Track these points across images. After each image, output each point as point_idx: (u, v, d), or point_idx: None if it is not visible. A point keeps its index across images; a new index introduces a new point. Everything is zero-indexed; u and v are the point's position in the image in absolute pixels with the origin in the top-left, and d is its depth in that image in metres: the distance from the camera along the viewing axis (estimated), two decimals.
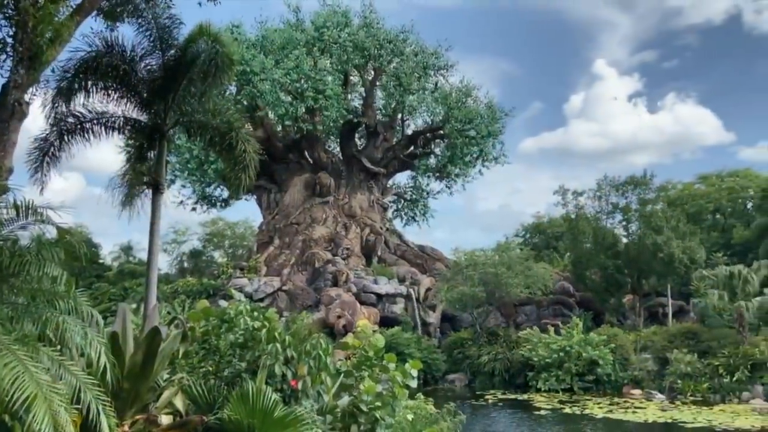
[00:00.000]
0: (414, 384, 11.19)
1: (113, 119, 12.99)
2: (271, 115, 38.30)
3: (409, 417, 10.86)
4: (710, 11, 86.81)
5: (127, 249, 48.98)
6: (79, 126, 12.65)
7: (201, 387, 9.46)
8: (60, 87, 12.12)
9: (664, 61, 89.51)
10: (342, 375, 10.67)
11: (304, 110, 36.04)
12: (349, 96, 40.96)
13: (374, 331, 21.73)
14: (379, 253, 38.80)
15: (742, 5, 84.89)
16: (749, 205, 48.38)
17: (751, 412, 20.82)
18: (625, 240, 33.86)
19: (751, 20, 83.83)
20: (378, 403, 10.06)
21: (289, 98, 36.09)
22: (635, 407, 22.03)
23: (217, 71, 12.35)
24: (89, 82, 12.37)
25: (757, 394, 23.06)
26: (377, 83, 40.86)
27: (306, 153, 40.88)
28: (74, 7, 11.23)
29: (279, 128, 40.76)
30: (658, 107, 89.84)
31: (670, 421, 19.62)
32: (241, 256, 43.21)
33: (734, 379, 23.69)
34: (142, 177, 13.24)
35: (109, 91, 12.75)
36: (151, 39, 12.47)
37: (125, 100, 12.92)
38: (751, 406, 22.03)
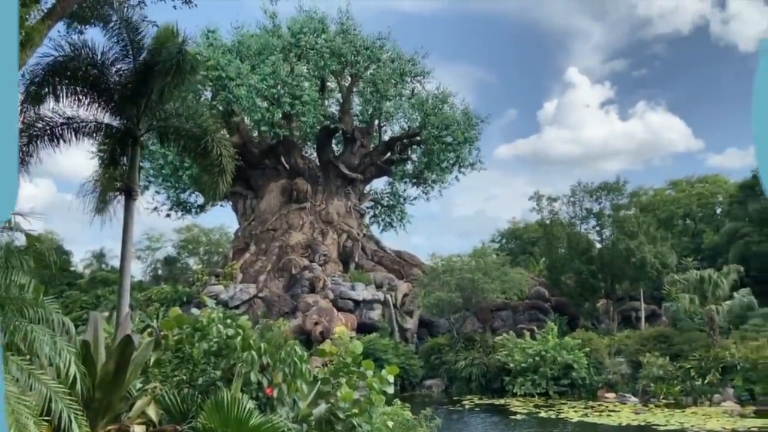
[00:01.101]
0: (391, 390, 11.17)
1: (84, 124, 12.78)
2: (247, 120, 38.09)
3: (390, 424, 10.84)
4: (678, 22, 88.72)
5: (99, 256, 48.15)
6: (48, 131, 12.43)
7: (174, 396, 9.33)
8: (29, 91, 11.89)
9: (634, 70, 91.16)
10: (319, 382, 10.61)
11: (280, 116, 35.91)
12: (326, 102, 40.93)
13: (351, 338, 21.71)
14: (356, 259, 38.75)
15: (708, 16, 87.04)
16: (718, 211, 49.44)
17: (722, 414, 21.21)
18: (598, 245, 34.32)
19: (717, 30, 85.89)
20: (355, 410, 10.03)
21: (266, 104, 35.92)
22: (609, 410, 22.29)
23: (180, 71, 12.16)
24: (58, 87, 12.16)
25: (728, 396, 23.49)
26: (354, 89, 40.91)
27: (282, 159, 40.71)
28: (45, 10, 11.04)
29: (255, 134, 40.55)
30: (629, 115, 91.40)
31: (643, 423, 19.88)
32: (216, 263, 42.77)
33: (705, 381, 24.11)
34: (115, 183, 13.03)
35: (80, 96, 12.53)
36: (123, 43, 12.31)
37: (96, 104, 12.72)
38: (722, 408, 22.42)
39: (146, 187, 39.03)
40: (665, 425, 19.38)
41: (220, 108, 34.96)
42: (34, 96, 11.95)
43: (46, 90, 12.04)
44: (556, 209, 35.45)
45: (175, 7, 12.91)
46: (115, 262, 43.23)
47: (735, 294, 28.21)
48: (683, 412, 21.75)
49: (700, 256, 39.75)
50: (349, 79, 40.70)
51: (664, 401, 23.94)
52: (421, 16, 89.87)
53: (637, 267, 30.76)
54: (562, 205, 35.24)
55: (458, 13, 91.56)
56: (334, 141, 42.68)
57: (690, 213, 49.34)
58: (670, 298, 31.22)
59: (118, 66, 12.56)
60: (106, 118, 12.93)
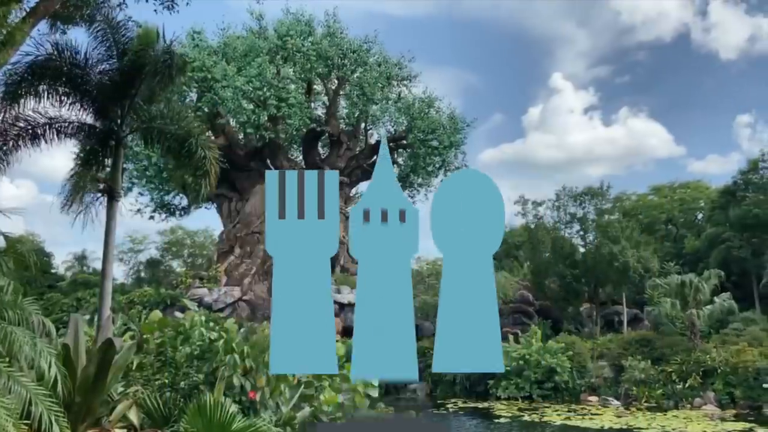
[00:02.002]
0: (375, 393, 11.18)
1: (66, 125, 12.64)
2: (232, 122, 37.91)
3: None
4: (660, 29, 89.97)
5: (80, 258, 47.62)
6: (30, 131, 12.28)
7: (156, 400, 9.24)
8: (7, 90, 11.75)
9: (617, 77, 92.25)
10: (302, 386, 10.57)
11: (266, 118, 35.78)
12: (313, 105, 40.86)
13: (336, 341, 21.64)
14: (341, 263, 38.66)
15: (690, 24, 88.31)
16: (700, 216, 50.07)
17: (703, 418, 21.45)
18: (582, 249, 34.59)
19: (699, 38, 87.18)
20: (339, 414, 10.01)
21: (252, 106, 35.77)
22: (592, 414, 22.44)
23: (167, 72, 12.08)
24: (40, 87, 12.03)
25: (709, 399, 23.77)
26: (340, 92, 40.90)
27: (268, 161, 40.53)
28: (28, 10, 10.91)
29: (241, 136, 40.34)
30: (612, 120, 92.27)
31: (625, 427, 20.03)
32: (200, 266, 42.51)
33: (687, 385, 24.37)
34: (97, 184, 12.91)
35: (62, 96, 12.40)
36: (107, 43, 12.21)
37: (79, 105, 12.59)
38: (703, 411, 22.68)
39: (129, 189, 38.66)
40: (647, 428, 19.54)
41: (206, 110, 34.75)
42: (13, 95, 11.80)
43: (27, 90, 11.89)
44: (540, 213, 35.75)
45: (156, 11, 12.77)
46: (97, 264, 42.74)
47: (716, 298, 28.60)
48: (665, 415, 21.96)
49: (681, 260, 40.21)
50: (336, 82, 40.67)
51: (645, 404, 24.16)
52: (408, 20, 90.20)
53: (619, 271, 31.04)
54: (547, 209, 35.55)
55: (445, 18, 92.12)
56: (320, 144, 42.63)
57: (672, 218, 49.92)
58: (652, 303, 31.54)
59: (102, 66, 12.46)
60: (89, 119, 12.82)
